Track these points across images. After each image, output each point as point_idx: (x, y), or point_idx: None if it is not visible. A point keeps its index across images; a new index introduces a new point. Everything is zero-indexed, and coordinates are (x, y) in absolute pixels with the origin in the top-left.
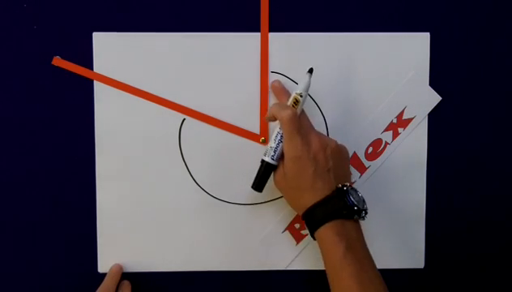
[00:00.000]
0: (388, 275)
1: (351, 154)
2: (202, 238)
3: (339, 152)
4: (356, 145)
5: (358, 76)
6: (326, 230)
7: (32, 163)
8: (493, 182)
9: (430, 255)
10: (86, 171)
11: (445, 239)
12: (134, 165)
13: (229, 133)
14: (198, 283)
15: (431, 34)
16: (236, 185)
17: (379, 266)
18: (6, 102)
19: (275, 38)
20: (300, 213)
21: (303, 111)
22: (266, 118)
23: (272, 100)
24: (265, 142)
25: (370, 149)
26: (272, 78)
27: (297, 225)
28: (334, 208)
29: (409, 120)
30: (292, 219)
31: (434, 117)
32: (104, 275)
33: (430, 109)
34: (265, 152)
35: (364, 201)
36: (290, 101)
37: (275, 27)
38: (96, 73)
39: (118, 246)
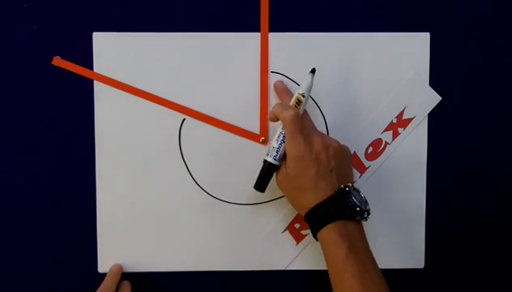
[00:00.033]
0: (388, 275)
1: (351, 154)
2: (202, 238)
3: (342, 152)
4: (356, 145)
5: (358, 76)
6: (329, 231)
7: (32, 163)
8: (493, 182)
9: (430, 255)
10: (86, 171)
11: (445, 239)
12: (134, 165)
13: (229, 133)
14: (197, 283)
15: (431, 34)
16: (236, 185)
17: (379, 266)
18: (6, 102)
19: (275, 38)
20: (303, 214)
21: (305, 111)
22: (268, 118)
23: (272, 99)
24: (265, 142)
25: (370, 149)
26: (272, 78)
27: (297, 225)
28: (336, 209)
29: (409, 120)
30: (292, 219)
31: (434, 117)
32: (104, 275)
33: (430, 109)
34: (267, 153)
35: (366, 202)
36: (292, 101)
37: (275, 27)
38: (96, 73)
39: (118, 246)
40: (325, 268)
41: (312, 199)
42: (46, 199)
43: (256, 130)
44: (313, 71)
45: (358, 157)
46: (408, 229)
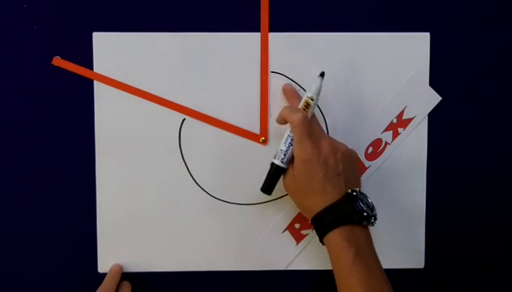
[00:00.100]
0: (388, 275)
1: None
2: (202, 238)
3: (349, 156)
4: (356, 145)
5: (358, 76)
6: (335, 235)
7: (32, 163)
8: (493, 182)
9: (430, 255)
10: (86, 171)
11: (445, 239)
12: (134, 165)
13: (229, 133)
14: (197, 283)
15: (431, 34)
16: (236, 185)
17: None
18: (6, 102)
19: (275, 38)
20: (309, 217)
21: (314, 115)
22: (276, 121)
23: (272, 100)
24: (265, 142)
25: (370, 149)
26: (272, 78)
27: (297, 225)
28: (343, 213)
29: (409, 120)
30: (292, 219)
31: (434, 117)
32: (104, 275)
33: (430, 109)
34: (275, 155)
35: (373, 207)
36: (301, 105)
37: (275, 27)
38: (96, 73)
39: (118, 246)
40: (325, 268)
41: (319, 203)
42: (46, 199)
43: (256, 130)
44: (322, 75)
45: (358, 157)
46: (408, 229)
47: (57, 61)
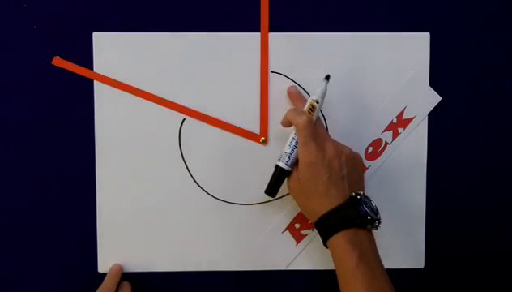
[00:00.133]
0: (388, 275)
1: None
2: (202, 238)
3: (354, 159)
4: (356, 145)
5: (358, 76)
6: (339, 239)
7: (32, 163)
8: (493, 182)
9: (430, 255)
10: (86, 171)
11: (445, 239)
12: (134, 165)
13: (229, 133)
14: (197, 283)
15: (431, 34)
16: (236, 185)
17: None
18: (6, 102)
19: (275, 38)
20: (313, 220)
21: (318, 118)
22: (281, 123)
23: (272, 100)
24: (265, 142)
25: (370, 149)
26: (272, 78)
27: (297, 225)
28: (347, 217)
29: (409, 120)
30: (292, 219)
31: (434, 117)
32: (104, 275)
33: (430, 109)
34: (279, 158)
35: (377, 210)
36: (306, 107)
37: (275, 27)
38: (96, 73)
39: (118, 246)
40: (325, 268)
41: (323, 206)
42: (46, 199)
43: (256, 130)
44: (327, 78)
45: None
46: (408, 229)
47: (57, 61)
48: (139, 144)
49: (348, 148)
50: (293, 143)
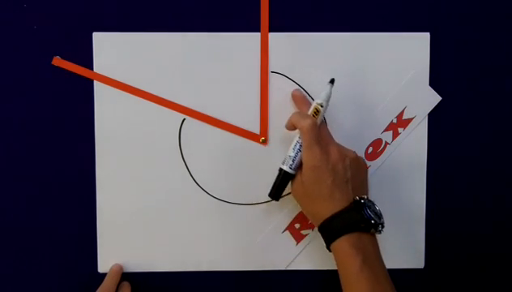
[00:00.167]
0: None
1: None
2: (202, 238)
3: (358, 163)
4: (356, 145)
5: (358, 76)
6: (343, 242)
7: (32, 163)
8: (493, 182)
9: (430, 255)
10: (86, 171)
11: (445, 239)
12: (134, 165)
13: (229, 133)
14: (197, 283)
15: (431, 34)
16: (236, 185)
17: None
18: (6, 102)
19: (275, 38)
20: (317, 224)
21: (323, 121)
22: (285, 126)
23: (272, 100)
24: (265, 142)
25: (370, 149)
26: (272, 78)
27: (297, 225)
28: (351, 221)
29: (409, 120)
30: (292, 219)
31: (434, 117)
32: (104, 275)
33: (430, 109)
34: (283, 161)
35: (381, 214)
36: (310, 111)
37: (275, 27)
38: (96, 73)
39: (118, 246)
40: (325, 268)
41: (327, 210)
42: (46, 200)
43: (256, 130)
44: (332, 82)
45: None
46: (408, 229)
47: (57, 61)
48: (139, 144)
49: (353, 151)
50: (297, 146)
